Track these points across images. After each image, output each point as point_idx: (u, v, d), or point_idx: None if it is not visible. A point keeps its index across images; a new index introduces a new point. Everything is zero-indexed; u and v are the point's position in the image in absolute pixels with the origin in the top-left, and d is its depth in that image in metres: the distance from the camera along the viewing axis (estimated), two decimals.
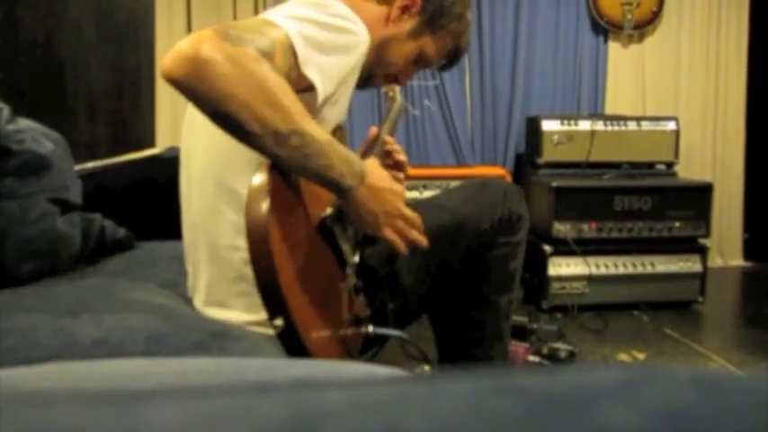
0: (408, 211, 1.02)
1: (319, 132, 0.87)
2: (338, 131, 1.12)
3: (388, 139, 1.29)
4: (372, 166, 0.99)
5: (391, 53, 1.19)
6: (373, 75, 1.22)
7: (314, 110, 0.96)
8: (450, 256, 1.27)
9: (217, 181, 1.00)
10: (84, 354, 0.80)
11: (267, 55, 0.83)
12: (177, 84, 0.79)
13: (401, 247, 1.02)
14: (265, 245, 0.83)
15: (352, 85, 1.07)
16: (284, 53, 0.86)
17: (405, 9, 1.18)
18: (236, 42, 0.80)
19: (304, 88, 0.91)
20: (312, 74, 0.90)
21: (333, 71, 0.94)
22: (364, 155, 1.22)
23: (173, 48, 0.79)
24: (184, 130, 1.11)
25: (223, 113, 0.80)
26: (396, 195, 1.00)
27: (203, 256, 1.04)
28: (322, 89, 0.92)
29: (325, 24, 0.93)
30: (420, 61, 1.25)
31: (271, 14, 0.92)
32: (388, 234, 1.00)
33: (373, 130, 1.30)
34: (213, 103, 0.79)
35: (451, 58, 1.30)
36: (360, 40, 1.00)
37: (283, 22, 0.88)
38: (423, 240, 1.04)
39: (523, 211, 1.32)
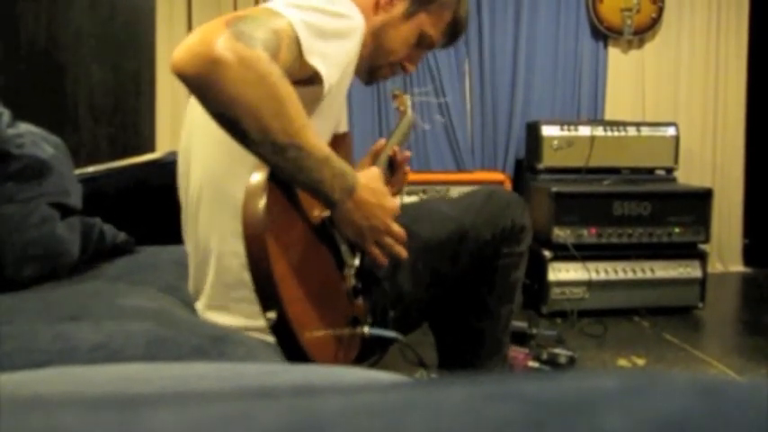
0: (396, 228, 1.03)
1: (318, 147, 0.87)
2: (343, 138, 1.12)
3: (396, 149, 1.29)
4: (368, 179, 0.99)
5: (389, 40, 1.18)
6: (377, 66, 1.21)
7: (318, 100, 0.97)
8: (452, 265, 1.27)
9: (216, 187, 1.00)
10: (83, 358, 0.80)
11: (274, 51, 0.83)
12: (186, 81, 0.78)
13: (381, 260, 1.04)
14: (260, 237, 0.84)
15: (352, 72, 1.07)
16: (289, 45, 0.87)
17: None
18: (249, 43, 0.79)
19: (308, 79, 0.92)
20: (316, 62, 0.91)
21: (336, 58, 0.95)
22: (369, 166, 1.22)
23: (183, 42, 0.78)
24: (183, 137, 1.12)
25: (227, 115, 0.80)
26: (385, 211, 1.00)
27: (205, 261, 1.04)
28: (327, 76, 0.92)
29: (324, 10, 0.94)
30: (422, 42, 1.22)
31: (273, 4, 0.93)
32: (371, 248, 1.02)
33: (381, 141, 1.30)
34: (220, 104, 0.79)
35: (453, 31, 1.26)
36: (357, 24, 1.01)
37: (286, 10, 0.89)
38: (402, 252, 1.06)
39: (526, 222, 1.32)
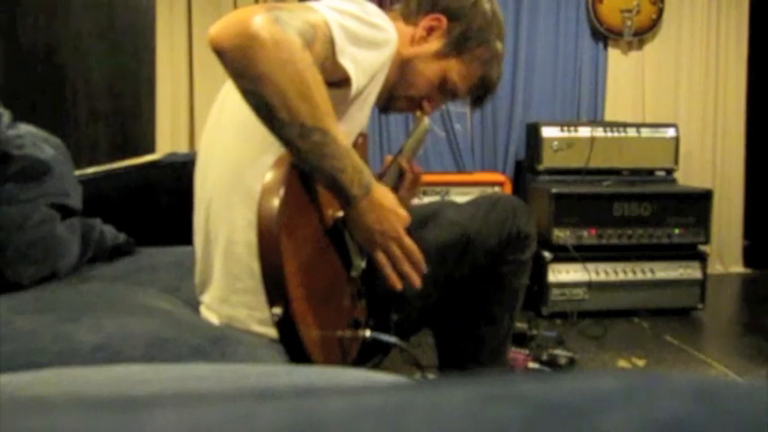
0: (409, 241, 1.02)
1: (341, 137, 0.89)
2: (361, 138, 1.12)
3: (406, 162, 1.28)
4: (382, 188, 0.99)
5: (414, 73, 1.18)
6: (396, 96, 1.21)
7: (345, 103, 0.98)
8: (456, 271, 1.27)
9: (235, 175, 1.00)
10: (83, 359, 0.80)
11: (309, 42, 0.85)
12: (222, 54, 0.81)
13: (391, 277, 1.01)
14: (274, 235, 0.85)
15: (380, 84, 1.08)
16: (323, 42, 0.89)
17: (430, 30, 1.18)
18: (284, 28, 0.82)
19: (337, 82, 0.93)
20: (347, 64, 0.92)
21: (366, 65, 0.96)
22: (380, 178, 1.21)
23: (221, 19, 0.82)
24: (208, 126, 1.11)
25: (257, 93, 0.82)
26: (398, 218, 1.00)
27: (213, 250, 1.03)
28: (355, 80, 0.94)
29: (362, 19, 0.96)
30: (445, 88, 1.22)
31: (314, 4, 0.95)
32: (380, 257, 1.00)
33: (387, 158, 1.30)
34: (251, 81, 0.82)
35: (481, 88, 1.26)
36: (390, 38, 1.02)
37: (325, 11, 0.91)
38: (416, 280, 1.03)
39: (532, 230, 1.32)
